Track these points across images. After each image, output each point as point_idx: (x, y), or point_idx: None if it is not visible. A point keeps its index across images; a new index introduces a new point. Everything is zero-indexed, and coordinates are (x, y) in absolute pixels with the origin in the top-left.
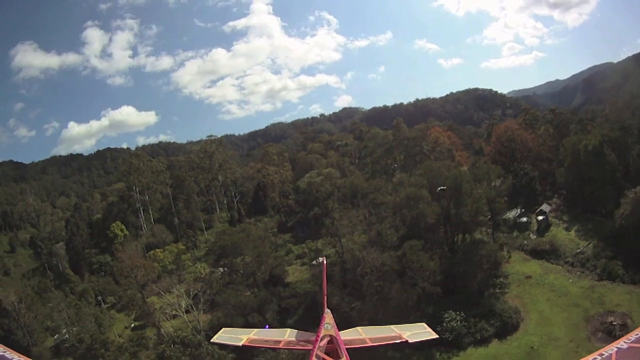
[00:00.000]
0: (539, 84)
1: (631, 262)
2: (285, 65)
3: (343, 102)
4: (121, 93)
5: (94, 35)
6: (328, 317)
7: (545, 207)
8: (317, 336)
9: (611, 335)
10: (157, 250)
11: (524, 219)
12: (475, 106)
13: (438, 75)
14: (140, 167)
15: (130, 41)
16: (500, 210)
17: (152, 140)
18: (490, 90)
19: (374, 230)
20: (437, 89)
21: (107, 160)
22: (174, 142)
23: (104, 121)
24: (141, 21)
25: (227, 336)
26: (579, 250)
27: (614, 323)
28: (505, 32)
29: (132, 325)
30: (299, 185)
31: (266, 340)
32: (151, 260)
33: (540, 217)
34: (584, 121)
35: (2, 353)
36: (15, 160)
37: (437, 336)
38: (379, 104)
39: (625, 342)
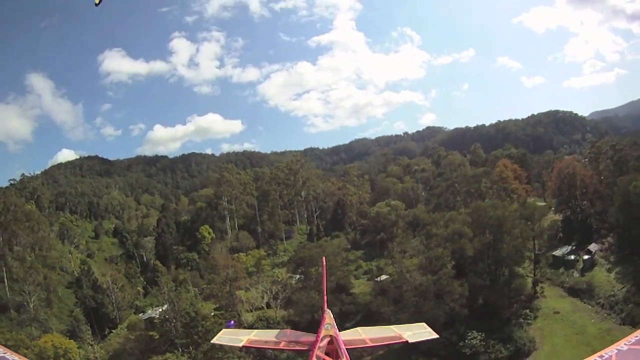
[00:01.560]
0: (621, 104)
1: None
2: (370, 81)
3: (427, 119)
4: (207, 101)
5: (181, 46)
6: (328, 317)
7: (593, 246)
8: (317, 336)
9: None
10: (240, 254)
11: (572, 257)
12: (555, 129)
13: (520, 94)
14: (230, 180)
15: (217, 52)
16: (543, 247)
17: (237, 148)
18: (571, 112)
19: (425, 257)
20: (519, 109)
21: (192, 164)
22: (257, 152)
23: (190, 126)
24: (227, 34)
25: (228, 337)
26: (612, 293)
27: None
28: (586, 48)
29: (212, 313)
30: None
31: (266, 341)
32: (235, 261)
33: (586, 257)
34: None
35: (2, 354)
36: (100, 156)
37: (437, 336)
38: (463, 122)
39: (625, 344)
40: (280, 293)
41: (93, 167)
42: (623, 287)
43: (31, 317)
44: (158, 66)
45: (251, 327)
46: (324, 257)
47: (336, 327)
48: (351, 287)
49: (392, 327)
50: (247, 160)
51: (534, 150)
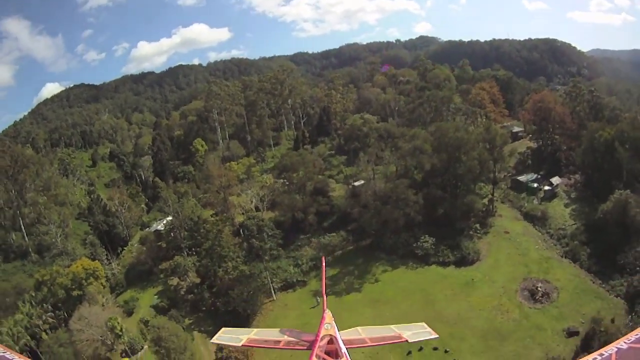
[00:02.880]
0: (624, 49)
1: (597, 252)
2: None
3: (421, 29)
4: (192, 12)
5: None
6: (328, 317)
7: (556, 179)
8: (317, 336)
9: (532, 296)
10: (232, 162)
11: (535, 185)
12: (552, 57)
13: (519, 17)
14: (218, 92)
15: None
16: (503, 171)
17: (224, 56)
18: (569, 44)
19: (387, 167)
20: (517, 32)
21: (179, 77)
22: (246, 59)
23: (175, 39)
24: None
25: (227, 336)
26: (562, 226)
27: (539, 289)
28: None
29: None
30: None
31: (266, 340)
32: (227, 170)
33: (547, 187)
34: (616, 110)
35: (2, 354)
36: (86, 82)
37: (437, 336)
38: (457, 36)
39: (625, 342)
40: (267, 197)
41: (80, 95)
42: (574, 224)
43: (59, 251)
44: None
45: (242, 226)
46: (323, 257)
47: (336, 327)
48: (330, 191)
49: (392, 326)
50: (235, 67)
51: (526, 75)
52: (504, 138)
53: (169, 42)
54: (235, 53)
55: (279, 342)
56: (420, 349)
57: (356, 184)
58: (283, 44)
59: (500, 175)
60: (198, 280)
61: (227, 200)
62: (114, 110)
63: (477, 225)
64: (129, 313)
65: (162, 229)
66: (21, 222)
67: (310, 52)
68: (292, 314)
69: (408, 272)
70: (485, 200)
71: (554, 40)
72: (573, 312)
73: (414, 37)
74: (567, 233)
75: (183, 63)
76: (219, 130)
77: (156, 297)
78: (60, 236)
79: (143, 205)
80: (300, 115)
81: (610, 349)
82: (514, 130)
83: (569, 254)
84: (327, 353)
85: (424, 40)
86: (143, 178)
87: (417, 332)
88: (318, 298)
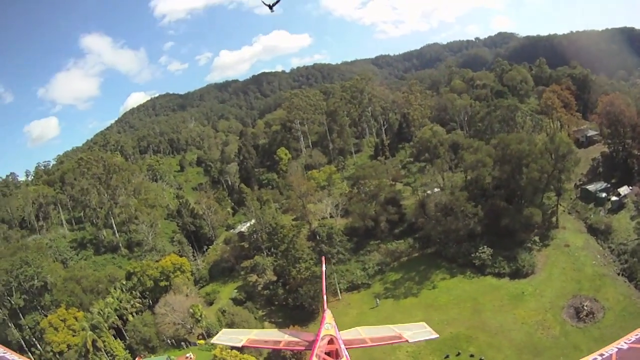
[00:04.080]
0: None
1: None
2: None
3: (500, 24)
4: (271, 19)
5: None
6: (328, 317)
7: (624, 189)
8: (317, 336)
9: (577, 314)
10: (313, 170)
11: (604, 195)
12: (631, 48)
13: (599, 3)
14: (299, 104)
15: None
16: (568, 180)
17: (307, 61)
18: None
19: (451, 179)
20: (596, 23)
21: (263, 84)
22: (328, 64)
23: (256, 46)
24: None
25: (228, 337)
26: (623, 242)
27: (585, 307)
28: None
29: (290, 223)
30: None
31: (266, 341)
32: (308, 178)
33: (615, 198)
34: None
35: (2, 354)
36: (171, 92)
37: (437, 335)
38: (535, 30)
39: (625, 342)
40: (340, 205)
41: (166, 104)
42: (637, 239)
43: (149, 247)
44: None
45: (313, 232)
46: (323, 257)
47: (336, 327)
48: (402, 200)
49: (392, 326)
50: (318, 73)
51: (606, 69)
52: (567, 147)
53: (251, 50)
54: (318, 58)
55: (280, 342)
56: (458, 354)
57: (429, 192)
58: (364, 47)
59: (566, 185)
60: (274, 278)
61: (305, 207)
62: (200, 118)
63: (537, 238)
64: (210, 303)
65: (245, 231)
66: (113, 221)
67: (391, 54)
68: (352, 312)
69: (464, 281)
70: (550, 212)
71: (632, 29)
72: (615, 335)
73: (492, 34)
74: (628, 249)
75: (266, 70)
76: (302, 139)
77: (235, 291)
78: (150, 234)
79: (229, 209)
80: (382, 122)
81: (611, 349)
82: (588, 135)
83: (626, 272)
84: (327, 353)
85: (502, 37)
86: (230, 183)
87: (417, 332)
88: (378, 300)
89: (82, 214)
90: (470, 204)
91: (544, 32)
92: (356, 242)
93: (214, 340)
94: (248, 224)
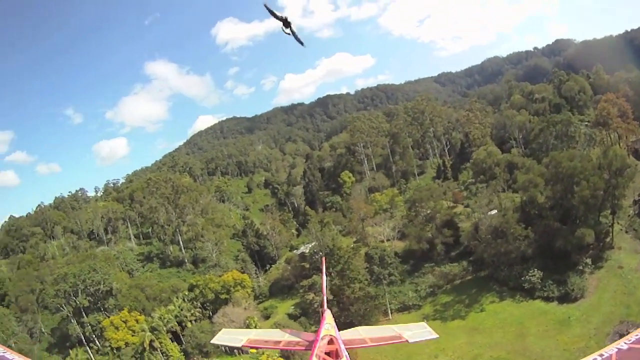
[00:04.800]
0: None
1: None
2: None
3: (557, 31)
4: (332, 42)
5: None
6: (328, 317)
7: None
8: (317, 336)
9: None
10: (376, 193)
11: None
12: None
13: None
14: (361, 127)
15: None
16: (620, 198)
17: (371, 82)
18: None
19: (501, 200)
20: None
21: (329, 106)
22: (391, 84)
23: (320, 70)
24: None
25: (227, 337)
26: None
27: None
28: None
29: (352, 245)
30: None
31: (266, 341)
32: (371, 201)
33: None
34: None
35: (2, 353)
36: (238, 115)
37: (437, 336)
38: (591, 33)
39: (625, 342)
40: (396, 227)
41: (233, 127)
42: None
43: (213, 263)
44: (274, 23)
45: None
46: (323, 258)
47: (336, 327)
48: (459, 222)
49: (392, 326)
50: (382, 94)
51: None
52: (622, 161)
53: (315, 73)
54: (382, 78)
55: (279, 342)
56: None
57: (485, 214)
58: (426, 65)
59: (622, 202)
60: (330, 297)
61: (364, 229)
62: (268, 141)
63: (589, 260)
64: (266, 317)
65: (307, 252)
66: (180, 238)
67: (453, 71)
68: None
69: (512, 305)
70: (604, 232)
71: None
72: None
73: (550, 42)
74: None
75: (331, 92)
76: (365, 161)
77: (292, 307)
78: (215, 252)
79: (293, 230)
80: (444, 143)
81: (611, 349)
82: None
83: None
84: (327, 353)
85: (560, 44)
86: (295, 205)
87: (417, 332)
88: (425, 321)
89: (150, 230)
90: (521, 226)
91: (599, 35)
92: (412, 265)
93: (214, 340)
94: (310, 246)
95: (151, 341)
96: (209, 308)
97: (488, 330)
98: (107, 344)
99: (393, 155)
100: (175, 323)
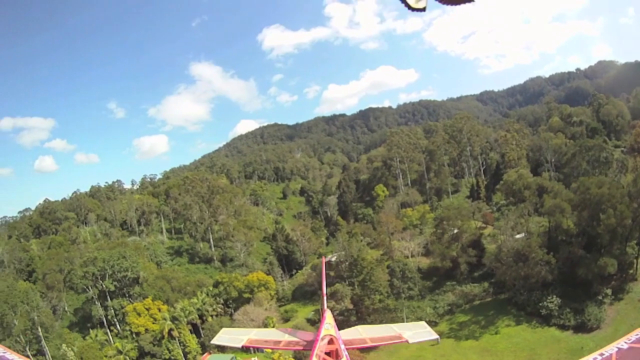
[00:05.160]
0: None
1: None
2: (534, 14)
3: (599, 52)
4: (377, 55)
5: (336, 9)
6: (328, 317)
7: None
8: (317, 336)
9: None
10: (408, 209)
11: None
12: None
13: None
14: (399, 142)
15: (374, 9)
16: None
17: (413, 97)
18: None
19: (526, 224)
20: None
21: (370, 119)
22: (433, 100)
23: (364, 82)
24: None
25: (228, 337)
26: None
27: None
28: None
29: (378, 257)
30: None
31: (266, 341)
32: (402, 216)
33: None
34: None
35: (2, 354)
36: (280, 122)
37: (437, 336)
38: (636, 53)
39: (625, 342)
40: (421, 244)
41: (274, 133)
42: None
43: (240, 263)
44: (320, 32)
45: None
46: (323, 257)
47: (336, 327)
48: (485, 244)
49: (392, 326)
50: (423, 109)
51: None
52: None
53: (359, 85)
54: (424, 94)
55: (280, 342)
56: None
57: (514, 236)
58: (469, 82)
59: None
60: (351, 307)
61: (390, 243)
62: (307, 150)
63: (609, 291)
64: (286, 320)
65: (334, 261)
66: (211, 236)
67: (496, 89)
68: (413, 346)
69: (527, 330)
70: (628, 262)
71: None
72: None
73: (593, 64)
74: None
75: (373, 105)
76: (401, 176)
77: (312, 312)
78: (243, 252)
79: (323, 239)
80: (481, 162)
81: (611, 348)
82: None
83: None
84: (327, 353)
85: (602, 66)
86: (328, 215)
87: (418, 332)
88: (439, 339)
89: (182, 226)
90: (543, 251)
91: None
92: (435, 282)
93: (214, 340)
94: (337, 255)
95: (170, 330)
96: (231, 305)
97: (500, 353)
98: (127, 328)
99: (428, 172)
100: (197, 316)
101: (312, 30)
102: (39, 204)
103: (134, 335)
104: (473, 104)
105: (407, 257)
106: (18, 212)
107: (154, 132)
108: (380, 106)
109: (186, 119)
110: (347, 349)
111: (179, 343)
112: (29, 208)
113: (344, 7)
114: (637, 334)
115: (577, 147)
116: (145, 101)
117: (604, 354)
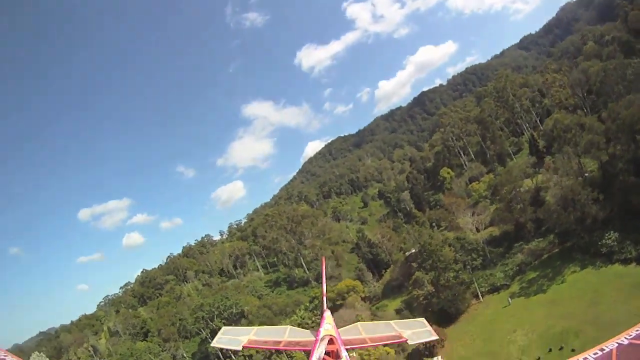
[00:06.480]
0: None
1: None
2: None
3: None
4: (411, 39)
5: (358, 10)
6: (328, 317)
7: None
8: (317, 336)
9: None
10: (474, 183)
11: None
12: None
13: None
14: (450, 122)
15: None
16: None
17: (460, 68)
18: None
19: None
20: None
21: (426, 103)
22: (479, 64)
23: (409, 68)
24: None
25: (227, 338)
26: None
27: None
28: None
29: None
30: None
31: (266, 341)
32: (470, 191)
33: None
34: None
35: (2, 356)
36: (343, 134)
37: (437, 337)
38: None
39: (626, 337)
40: (482, 214)
41: (340, 146)
42: None
43: (329, 276)
44: (350, 37)
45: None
46: (323, 257)
47: (336, 327)
48: (545, 196)
49: (392, 323)
50: (472, 77)
51: None
52: None
53: (405, 73)
54: (470, 60)
55: (280, 342)
56: (561, 348)
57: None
58: (507, 34)
59: None
60: (432, 289)
61: (456, 221)
62: (375, 153)
63: None
64: (375, 315)
65: (413, 252)
66: (302, 260)
67: (533, 31)
68: (487, 311)
69: (591, 273)
70: None
71: None
72: None
73: None
74: None
75: (425, 88)
76: (462, 153)
77: (401, 303)
78: (329, 266)
79: (404, 235)
80: (534, 113)
81: (611, 344)
82: None
83: None
84: (327, 353)
85: None
86: (407, 209)
87: (418, 331)
88: (510, 299)
89: (275, 259)
90: (587, 190)
91: None
92: (506, 246)
93: (214, 342)
94: (417, 245)
95: None
96: None
97: (564, 301)
98: (240, 352)
99: (485, 140)
100: None
101: (342, 38)
102: (138, 275)
103: (247, 358)
104: (517, 54)
105: (479, 231)
106: (119, 288)
107: (228, 181)
108: (432, 87)
109: (254, 158)
110: (347, 349)
111: (287, 356)
112: (129, 282)
113: (362, 5)
114: (638, 330)
115: (603, 73)
116: (211, 154)
117: (604, 350)
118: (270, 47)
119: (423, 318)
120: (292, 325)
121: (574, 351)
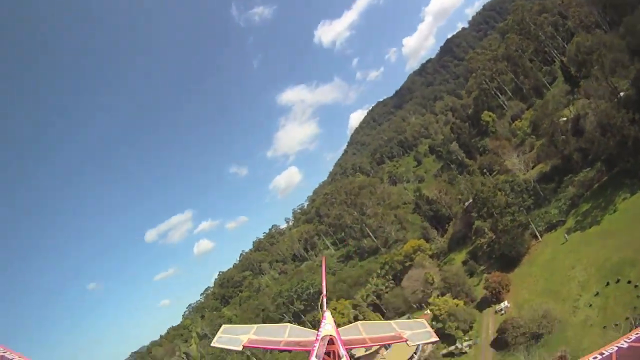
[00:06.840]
0: None
1: None
2: None
3: None
4: None
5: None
6: (328, 317)
7: None
8: (317, 336)
9: None
10: (516, 122)
11: None
12: None
13: None
14: (477, 65)
15: None
16: None
17: (477, 6)
18: None
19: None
20: None
21: (453, 49)
22: None
23: (428, 19)
24: None
25: (227, 337)
26: None
27: None
28: None
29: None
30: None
31: (266, 341)
32: (515, 130)
33: None
34: None
35: (2, 353)
36: (381, 98)
37: (437, 339)
38: None
39: (625, 341)
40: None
41: (382, 110)
42: None
43: (394, 240)
44: (361, 2)
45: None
46: (323, 257)
47: (336, 327)
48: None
49: (392, 324)
50: (492, 13)
51: None
52: None
53: (426, 24)
54: None
55: (280, 342)
56: (618, 281)
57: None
58: None
59: None
60: (493, 236)
61: (504, 163)
62: (417, 109)
63: None
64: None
65: (470, 201)
66: (368, 230)
67: None
68: (547, 250)
69: None
70: None
71: None
72: None
73: None
74: None
75: (449, 35)
76: (499, 94)
77: (466, 255)
78: (394, 230)
79: (460, 186)
80: (561, 38)
81: (611, 348)
82: None
83: None
84: (327, 353)
85: None
86: (459, 160)
87: (418, 332)
88: (566, 235)
89: (342, 234)
90: (621, 112)
91: None
92: (557, 181)
93: (214, 342)
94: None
95: (355, 316)
96: (398, 277)
97: (619, 231)
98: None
99: (517, 76)
100: (374, 297)
101: (353, 6)
102: (215, 278)
103: None
104: None
105: (528, 170)
106: (200, 295)
107: (282, 169)
108: (455, 33)
109: (302, 141)
110: (347, 349)
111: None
112: (208, 287)
113: None
114: (637, 333)
115: None
116: (259, 149)
117: (604, 354)
118: (285, 34)
119: (423, 319)
120: (368, 293)
121: (629, 283)
